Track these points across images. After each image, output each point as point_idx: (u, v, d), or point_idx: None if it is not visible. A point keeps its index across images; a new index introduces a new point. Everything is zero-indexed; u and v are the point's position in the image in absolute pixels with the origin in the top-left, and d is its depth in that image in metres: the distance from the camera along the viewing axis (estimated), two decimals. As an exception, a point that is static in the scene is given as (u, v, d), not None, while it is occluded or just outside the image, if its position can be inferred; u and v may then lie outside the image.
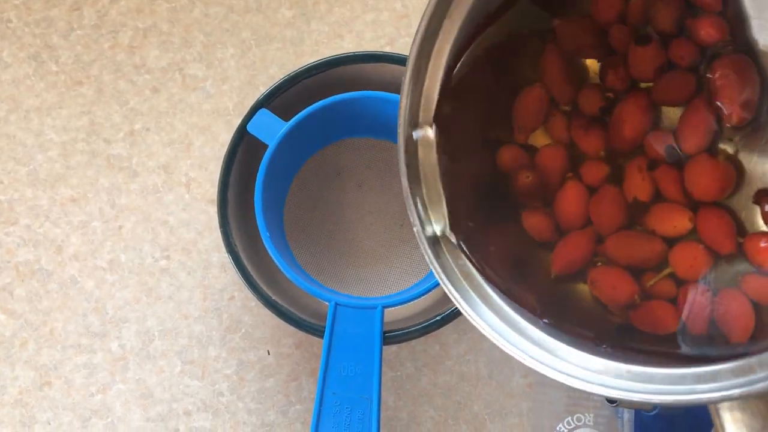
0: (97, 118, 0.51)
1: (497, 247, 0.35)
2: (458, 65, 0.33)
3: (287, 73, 0.45)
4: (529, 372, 0.47)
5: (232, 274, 0.49)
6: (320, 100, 0.44)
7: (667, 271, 0.33)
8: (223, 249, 0.48)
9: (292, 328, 0.47)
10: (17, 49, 0.52)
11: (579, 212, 0.34)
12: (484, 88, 0.35)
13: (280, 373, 0.48)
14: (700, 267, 0.32)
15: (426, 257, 0.33)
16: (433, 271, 0.33)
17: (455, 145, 0.34)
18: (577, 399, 0.43)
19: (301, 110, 0.44)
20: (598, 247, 0.34)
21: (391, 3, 0.52)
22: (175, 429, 0.47)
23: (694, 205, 0.33)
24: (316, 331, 0.42)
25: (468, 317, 0.33)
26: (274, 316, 0.44)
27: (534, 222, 0.34)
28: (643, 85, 0.34)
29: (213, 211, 0.50)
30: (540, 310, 0.32)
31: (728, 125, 0.32)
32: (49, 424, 0.47)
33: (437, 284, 0.42)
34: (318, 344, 0.48)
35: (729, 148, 0.32)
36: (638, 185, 0.33)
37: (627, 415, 0.43)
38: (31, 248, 0.49)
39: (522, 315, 0.32)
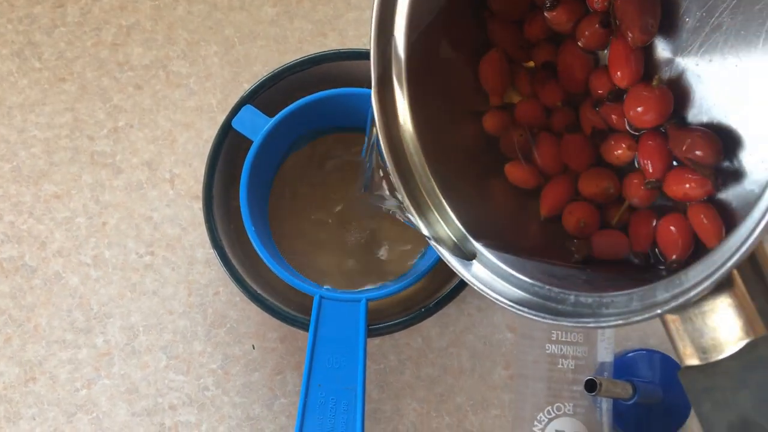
0: (81, 115, 0.51)
1: (479, 203, 0.37)
2: (412, 47, 0.35)
3: (271, 70, 0.46)
4: (510, 364, 0.48)
5: (217, 269, 0.49)
6: (304, 96, 0.44)
7: (626, 204, 0.35)
8: (208, 245, 0.48)
9: (276, 323, 0.48)
10: (0, 45, 0.52)
11: (555, 157, 0.37)
12: (442, 66, 0.37)
13: (265, 367, 0.48)
14: (646, 195, 0.34)
15: (415, 222, 0.35)
16: (424, 236, 0.35)
17: (430, 121, 0.36)
18: (557, 390, 0.44)
19: (285, 106, 0.44)
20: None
21: (374, 2, 0.53)
22: (160, 423, 0.47)
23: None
24: (301, 324, 0.43)
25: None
26: (259, 311, 0.44)
27: (518, 173, 0.37)
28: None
29: (197, 207, 0.50)
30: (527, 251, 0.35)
31: (634, 48, 0.33)
32: (34, 419, 0.47)
33: (420, 277, 0.42)
34: (302, 338, 0.48)
35: (670, 73, 0.34)
36: (593, 118, 0.36)
37: (605, 404, 0.44)
38: (14, 244, 0.49)
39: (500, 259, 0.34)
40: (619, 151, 0.35)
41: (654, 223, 0.34)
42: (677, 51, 0.33)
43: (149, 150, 0.51)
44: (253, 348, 0.48)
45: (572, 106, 0.37)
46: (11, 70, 0.52)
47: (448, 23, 0.37)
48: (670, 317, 0.29)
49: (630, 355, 0.46)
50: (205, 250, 0.49)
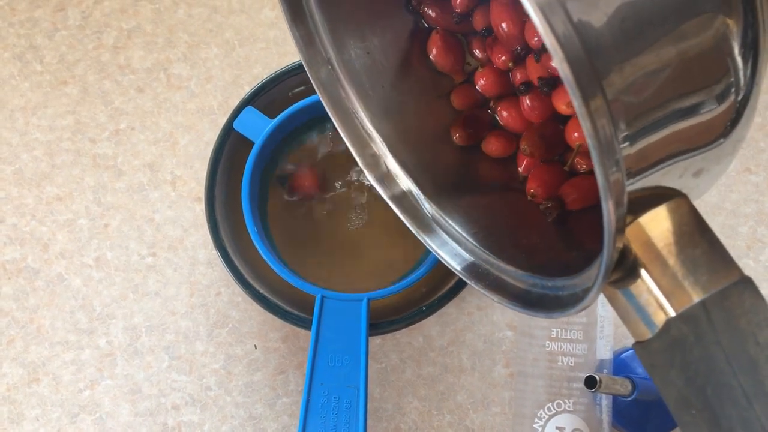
0: (83, 118, 0.52)
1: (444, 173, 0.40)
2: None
3: (272, 72, 0.46)
4: (510, 362, 0.48)
5: (219, 270, 0.49)
6: (303, 97, 0.45)
7: (577, 148, 0.36)
8: (209, 246, 0.49)
9: (278, 323, 0.48)
10: (1, 49, 0.52)
11: (521, 119, 0.38)
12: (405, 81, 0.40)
13: (267, 366, 0.48)
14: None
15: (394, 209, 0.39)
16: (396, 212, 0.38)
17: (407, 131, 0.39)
18: (556, 387, 0.44)
19: (284, 108, 0.45)
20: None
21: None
22: (163, 423, 0.48)
23: None
24: (304, 323, 0.43)
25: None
26: (261, 311, 0.45)
27: (494, 146, 0.39)
28: None
29: (199, 208, 0.50)
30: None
31: None
32: (38, 420, 0.48)
33: (420, 277, 0.43)
34: (304, 338, 0.49)
35: None
36: (536, 70, 0.36)
37: (605, 401, 0.44)
38: (17, 246, 0.50)
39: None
40: (563, 106, 0.35)
41: None
42: None
43: (151, 152, 0.51)
44: (255, 348, 0.49)
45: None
46: (13, 74, 0.52)
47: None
48: (609, 296, 0.29)
49: (629, 352, 0.46)
50: (207, 251, 0.50)
